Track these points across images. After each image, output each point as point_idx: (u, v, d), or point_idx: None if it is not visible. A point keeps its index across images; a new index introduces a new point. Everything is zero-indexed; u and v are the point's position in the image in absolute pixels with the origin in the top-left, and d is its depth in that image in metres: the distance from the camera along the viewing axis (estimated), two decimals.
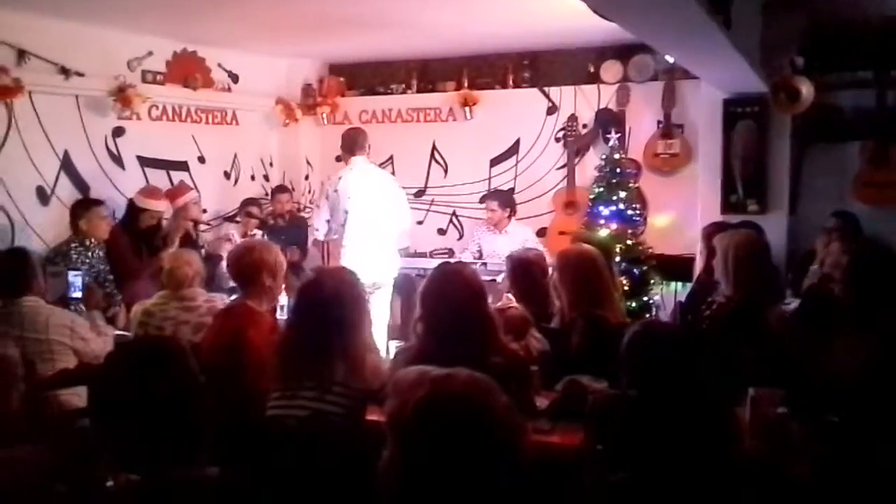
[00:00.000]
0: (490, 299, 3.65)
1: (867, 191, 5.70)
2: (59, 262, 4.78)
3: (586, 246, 3.66)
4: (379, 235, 5.17)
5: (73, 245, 4.90)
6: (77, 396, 3.39)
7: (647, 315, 5.46)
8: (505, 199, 6.30)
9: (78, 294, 4.03)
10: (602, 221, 5.65)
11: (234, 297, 3.73)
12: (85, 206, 5.09)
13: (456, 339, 2.66)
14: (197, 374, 1.80)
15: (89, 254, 4.92)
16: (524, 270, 3.88)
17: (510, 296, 3.70)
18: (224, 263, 5.38)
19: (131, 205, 5.39)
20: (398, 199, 5.33)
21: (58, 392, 3.41)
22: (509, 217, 6.24)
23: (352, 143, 5.29)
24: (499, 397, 1.55)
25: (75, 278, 4.07)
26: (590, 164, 6.25)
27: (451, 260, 5.78)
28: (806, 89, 5.23)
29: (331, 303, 2.76)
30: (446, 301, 2.75)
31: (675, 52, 4.75)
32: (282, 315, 4.54)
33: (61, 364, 3.46)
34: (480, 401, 1.52)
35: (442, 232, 7.07)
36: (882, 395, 2.72)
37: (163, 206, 5.44)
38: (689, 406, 2.32)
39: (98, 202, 5.18)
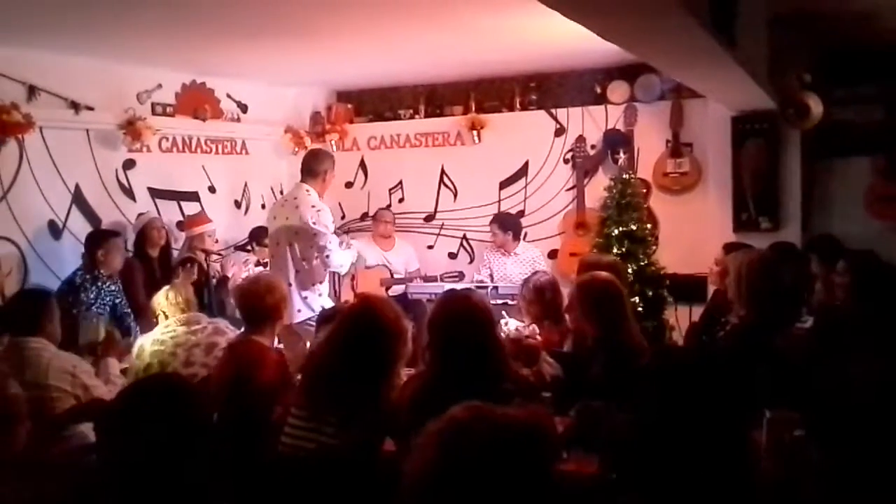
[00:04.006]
0: (506, 322, 3.65)
1: (879, 205, 5.65)
2: (71, 294, 4.78)
3: (603, 274, 3.59)
4: (273, 268, 4.89)
5: (79, 274, 4.91)
6: (90, 431, 3.37)
7: (663, 336, 5.42)
8: (506, 223, 6.26)
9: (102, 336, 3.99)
10: (613, 242, 5.62)
11: (242, 329, 3.72)
12: (103, 237, 5.08)
13: (465, 367, 2.64)
14: (206, 413, 1.79)
15: (98, 284, 4.92)
16: (548, 294, 3.92)
17: (535, 327, 3.66)
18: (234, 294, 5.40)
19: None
20: (305, 233, 4.79)
21: (70, 428, 3.38)
22: (515, 239, 6.23)
23: (302, 167, 5.03)
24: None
25: (102, 322, 4.06)
26: (599, 185, 6.23)
27: (461, 285, 5.77)
28: (815, 105, 5.22)
29: (377, 338, 2.71)
30: (454, 329, 2.73)
31: (680, 72, 4.74)
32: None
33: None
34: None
35: (453, 256, 7.06)
36: None
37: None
38: (706, 434, 2.27)
39: (115, 234, 5.20)
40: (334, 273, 5.70)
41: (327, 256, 4.78)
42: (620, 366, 3.14)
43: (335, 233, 5.02)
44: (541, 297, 3.96)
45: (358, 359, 2.69)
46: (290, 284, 4.73)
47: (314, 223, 4.76)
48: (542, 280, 4.09)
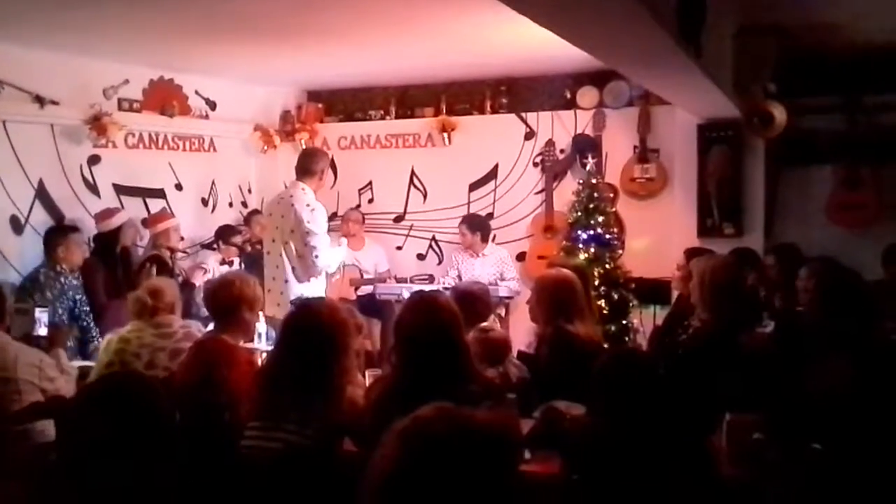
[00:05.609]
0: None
1: (840, 213, 5.78)
2: (32, 290, 4.72)
3: (563, 270, 3.66)
4: (270, 265, 4.93)
5: (41, 270, 4.85)
6: (51, 428, 3.33)
7: (626, 338, 5.48)
8: (474, 224, 6.32)
9: (43, 331, 3.88)
10: (580, 245, 5.67)
11: (210, 326, 3.69)
12: (63, 232, 5.04)
13: (430, 369, 2.65)
14: (167, 412, 1.78)
15: (61, 279, 4.85)
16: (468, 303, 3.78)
17: (493, 318, 3.67)
18: (200, 293, 5.36)
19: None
20: (300, 231, 4.80)
21: (31, 425, 3.34)
22: (483, 241, 6.27)
23: (298, 166, 5.05)
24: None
25: (41, 315, 3.97)
26: (567, 189, 6.28)
27: (428, 287, 5.77)
28: (779, 114, 5.31)
29: (315, 336, 2.72)
30: (419, 331, 2.74)
31: (647, 80, 4.80)
32: (259, 343, 4.51)
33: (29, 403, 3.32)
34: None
35: (422, 257, 7.07)
36: (859, 417, 2.73)
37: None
38: (664, 434, 2.31)
39: (75, 229, 5.15)
40: None
41: (316, 257, 4.81)
42: (569, 354, 3.18)
43: (329, 232, 5.03)
44: (464, 303, 3.87)
45: (300, 358, 2.70)
46: (286, 281, 4.80)
47: (308, 222, 4.77)
48: (470, 286, 4.03)
